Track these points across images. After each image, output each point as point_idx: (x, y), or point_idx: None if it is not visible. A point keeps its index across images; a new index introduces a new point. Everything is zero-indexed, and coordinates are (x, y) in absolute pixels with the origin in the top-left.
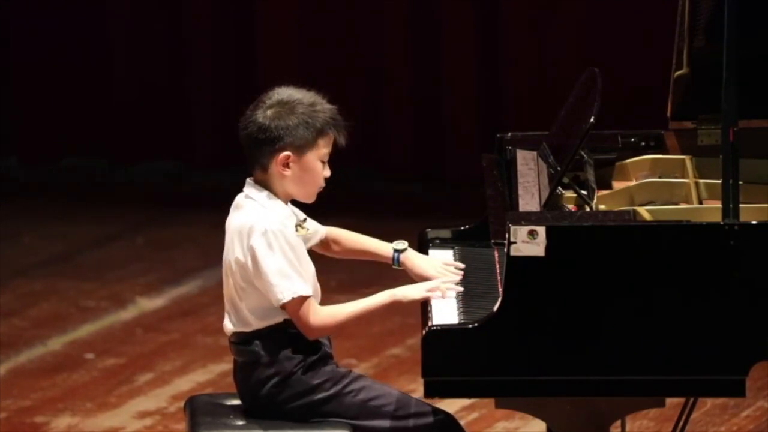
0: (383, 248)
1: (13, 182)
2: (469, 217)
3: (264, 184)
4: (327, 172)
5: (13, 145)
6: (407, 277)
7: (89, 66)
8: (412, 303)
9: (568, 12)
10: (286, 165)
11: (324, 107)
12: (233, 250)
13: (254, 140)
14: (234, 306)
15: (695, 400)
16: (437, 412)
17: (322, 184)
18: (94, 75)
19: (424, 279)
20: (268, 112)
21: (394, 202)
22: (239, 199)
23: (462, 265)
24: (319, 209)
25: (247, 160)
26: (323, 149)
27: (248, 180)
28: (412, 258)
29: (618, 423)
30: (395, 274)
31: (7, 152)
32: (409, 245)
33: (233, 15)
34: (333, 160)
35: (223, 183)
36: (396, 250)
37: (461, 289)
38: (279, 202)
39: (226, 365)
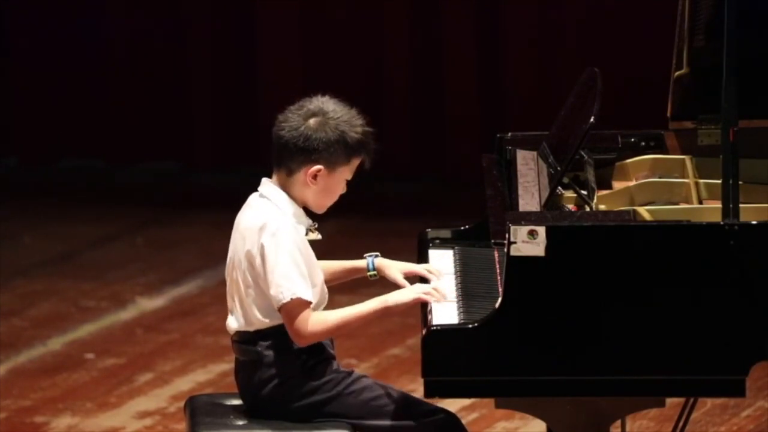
0: (353, 262)
1: (13, 182)
2: (469, 217)
3: (283, 187)
4: (344, 190)
5: (13, 145)
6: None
7: (89, 66)
8: (404, 308)
9: (568, 12)
10: (315, 177)
11: (363, 129)
12: (244, 246)
13: (291, 145)
14: (240, 303)
15: (695, 400)
16: (439, 411)
17: (336, 199)
18: (94, 75)
19: (404, 275)
20: (311, 122)
21: (394, 202)
22: (253, 198)
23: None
24: None
25: (272, 158)
26: (351, 170)
27: (264, 180)
28: (385, 262)
29: (618, 423)
30: None
31: (7, 152)
32: (409, 245)
33: (233, 15)
34: None
35: (222, 183)
36: (368, 256)
37: (452, 293)
38: (294, 205)
39: (226, 365)
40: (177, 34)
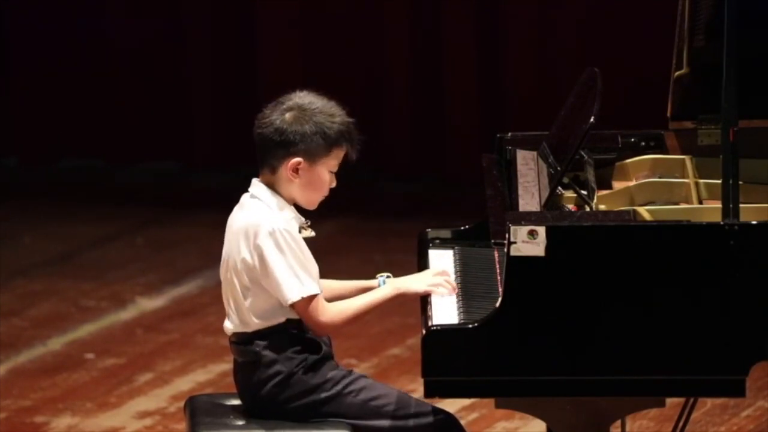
0: (364, 282)
1: (13, 182)
2: (469, 217)
3: (271, 186)
4: (333, 183)
5: (13, 145)
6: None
7: (89, 66)
8: (415, 295)
9: (568, 12)
10: (296, 171)
11: (343, 119)
12: (239, 251)
13: (268, 141)
14: (236, 306)
15: (695, 400)
16: (438, 411)
17: (326, 193)
18: (94, 75)
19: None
20: (287, 116)
21: (394, 202)
22: (244, 198)
23: (452, 283)
24: (319, 210)
25: (257, 159)
26: (334, 161)
27: (254, 180)
28: (399, 278)
29: (618, 423)
30: (397, 274)
31: (7, 152)
32: (409, 245)
33: (233, 15)
34: None
35: (223, 183)
36: (381, 276)
37: (456, 289)
38: (284, 204)
39: (226, 365)
40: (177, 34)
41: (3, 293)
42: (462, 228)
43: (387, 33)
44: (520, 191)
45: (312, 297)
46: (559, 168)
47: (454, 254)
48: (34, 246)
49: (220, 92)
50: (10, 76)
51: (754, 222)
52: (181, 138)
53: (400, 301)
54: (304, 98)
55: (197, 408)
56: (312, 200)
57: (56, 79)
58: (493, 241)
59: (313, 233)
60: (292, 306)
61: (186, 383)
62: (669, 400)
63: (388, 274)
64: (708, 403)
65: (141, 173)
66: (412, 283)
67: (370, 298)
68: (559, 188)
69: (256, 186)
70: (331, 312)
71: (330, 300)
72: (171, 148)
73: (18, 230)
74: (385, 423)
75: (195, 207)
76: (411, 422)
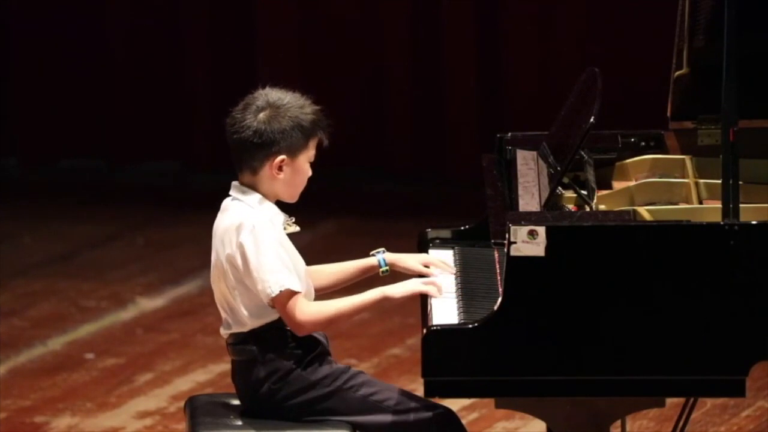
0: (362, 261)
1: (13, 182)
2: (469, 217)
3: (252, 186)
4: (310, 172)
5: (13, 145)
6: (399, 278)
7: (89, 66)
8: (403, 298)
9: (569, 12)
10: (280, 168)
11: (313, 108)
12: (224, 250)
13: (248, 144)
14: (229, 308)
15: (695, 400)
16: (437, 406)
17: (305, 184)
18: (94, 75)
19: (417, 269)
20: (261, 116)
21: (394, 202)
22: (226, 202)
23: (451, 268)
24: (319, 210)
25: (234, 162)
26: (312, 150)
27: (234, 183)
28: (397, 255)
29: (618, 423)
30: (398, 273)
31: (7, 152)
32: (409, 245)
33: (233, 15)
34: (334, 160)
35: (223, 183)
36: (376, 253)
37: (452, 293)
38: (267, 202)
39: (226, 365)
40: (177, 35)
41: (3, 293)
42: (462, 228)
43: (387, 33)
44: (520, 191)
45: (291, 293)
46: (559, 168)
47: (454, 254)
48: (34, 246)
49: (220, 92)
50: (10, 76)
51: (754, 222)
52: (181, 138)
53: (398, 302)
54: (271, 95)
55: (197, 408)
56: (294, 194)
57: (56, 80)
58: (493, 241)
59: (297, 228)
60: (272, 302)
61: (186, 383)
62: (669, 400)
63: (383, 249)
64: (708, 403)
65: (141, 173)
66: (400, 286)
67: (354, 300)
68: (559, 188)
69: (237, 189)
70: (309, 310)
71: (330, 284)
72: (171, 148)
73: (18, 230)
74: (385, 418)
75: (195, 207)
76: (411, 417)
